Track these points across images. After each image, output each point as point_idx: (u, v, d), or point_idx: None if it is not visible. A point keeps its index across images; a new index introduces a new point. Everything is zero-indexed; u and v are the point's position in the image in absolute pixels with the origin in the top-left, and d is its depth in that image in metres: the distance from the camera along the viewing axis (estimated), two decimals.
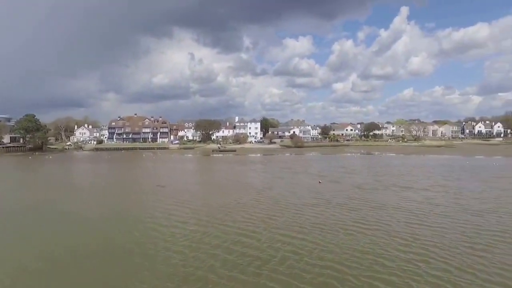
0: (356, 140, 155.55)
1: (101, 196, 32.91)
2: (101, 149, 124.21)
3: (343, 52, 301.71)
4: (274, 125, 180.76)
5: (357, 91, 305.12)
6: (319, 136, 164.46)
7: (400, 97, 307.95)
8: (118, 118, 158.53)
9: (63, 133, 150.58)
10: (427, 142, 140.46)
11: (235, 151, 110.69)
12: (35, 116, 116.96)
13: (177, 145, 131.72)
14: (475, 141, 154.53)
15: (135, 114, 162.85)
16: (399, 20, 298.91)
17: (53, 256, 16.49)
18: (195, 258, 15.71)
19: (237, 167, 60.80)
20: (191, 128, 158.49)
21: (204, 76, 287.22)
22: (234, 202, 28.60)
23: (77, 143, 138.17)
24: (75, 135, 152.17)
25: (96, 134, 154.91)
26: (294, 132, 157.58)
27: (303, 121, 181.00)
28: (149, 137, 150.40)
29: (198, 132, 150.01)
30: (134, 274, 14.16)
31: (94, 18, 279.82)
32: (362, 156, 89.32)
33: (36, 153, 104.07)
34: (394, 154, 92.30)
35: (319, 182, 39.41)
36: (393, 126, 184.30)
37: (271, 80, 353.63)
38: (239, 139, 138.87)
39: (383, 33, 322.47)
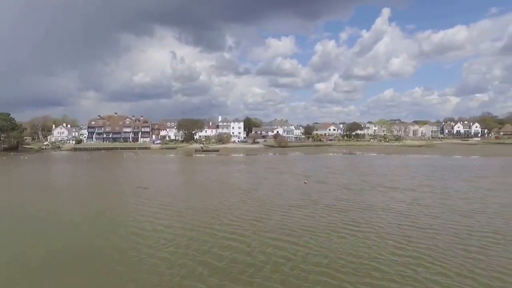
0: (339, 140, 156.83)
1: (79, 198, 31.19)
2: (80, 149, 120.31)
3: (325, 53, 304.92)
4: (257, 125, 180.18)
5: (339, 91, 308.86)
6: (303, 136, 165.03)
7: (381, 97, 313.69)
8: (98, 117, 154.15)
9: (40, 133, 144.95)
10: (408, 142, 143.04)
11: (218, 151, 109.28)
12: (10, 114, 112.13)
13: (159, 145, 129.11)
14: (454, 140, 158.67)
15: (116, 113, 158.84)
16: (381, 22, 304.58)
17: (25, 262, 15.21)
18: (182, 266, 14.72)
19: (221, 168, 59.72)
20: (173, 127, 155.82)
21: (186, 75, 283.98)
22: (220, 204, 27.65)
23: (54, 143, 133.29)
24: (52, 134, 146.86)
25: (75, 134, 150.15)
26: (277, 132, 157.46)
27: (286, 121, 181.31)
28: (130, 137, 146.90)
29: (181, 131, 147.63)
30: (115, 284, 13.07)
31: (72, 15, 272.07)
32: (344, 156, 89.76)
33: (11, 153, 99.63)
34: (375, 154, 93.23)
35: (305, 182, 38.91)
36: (375, 126, 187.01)
37: (254, 79, 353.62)
38: (222, 139, 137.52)
39: (365, 34, 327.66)
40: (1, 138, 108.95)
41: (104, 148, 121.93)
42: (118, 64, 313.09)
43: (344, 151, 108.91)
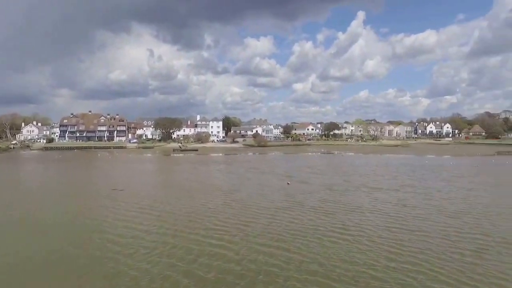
0: (317, 139, 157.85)
1: (50, 202, 28.91)
2: (51, 148, 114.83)
3: (303, 53, 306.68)
4: (236, 124, 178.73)
5: (316, 92, 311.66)
6: (282, 136, 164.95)
7: (356, 98, 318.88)
8: (71, 115, 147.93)
9: (8, 131, 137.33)
10: (385, 142, 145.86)
11: (197, 150, 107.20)
12: None
13: (135, 144, 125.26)
14: (428, 140, 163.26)
15: (90, 111, 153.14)
16: (356, 24, 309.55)
17: None
18: (165, 278, 13.46)
19: (201, 168, 58.18)
20: (150, 126, 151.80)
21: (163, 73, 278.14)
22: (202, 207, 26.40)
23: (23, 142, 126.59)
24: (21, 133, 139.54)
25: (46, 132, 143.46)
26: (256, 131, 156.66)
27: (266, 120, 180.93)
28: (105, 136, 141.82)
29: (158, 130, 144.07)
30: None
31: (44, 9, 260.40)
32: (324, 156, 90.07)
33: None
34: (353, 154, 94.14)
35: (288, 183, 38.13)
36: (352, 126, 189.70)
37: (232, 79, 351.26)
38: (201, 138, 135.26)
39: (341, 36, 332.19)
40: None
41: (77, 148, 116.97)
42: (93, 61, 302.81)
43: (322, 150, 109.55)
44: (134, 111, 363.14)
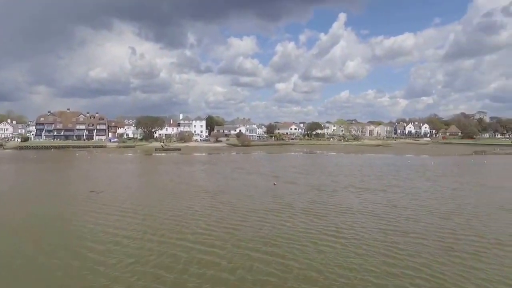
0: (300, 139, 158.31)
1: (22, 205, 26.77)
2: (27, 148, 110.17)
3: (285, 54, 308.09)
4: (219, 123, 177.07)
5: (298, 92, 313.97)
6: (265, 135, 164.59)
7: (337, 98, 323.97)
8: (48, 113, 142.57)
9: None
10: (366, 142, 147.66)
11: (180, 150, 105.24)
12: None
13: (116, 143, 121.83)
14: (407, 140, 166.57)
15: (68, 109, 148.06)
16: (338, 26, 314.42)
17: None
18: None
19: (185, 168, 56.70)
20: (131, 125, 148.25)
21: (146, 72, 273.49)
22: (188, 210, 25.24)
23: None
24: None
25: (22, 131, 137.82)
26: (240, 130, 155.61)
27: (249, 119, 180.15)
28: (84, 135, 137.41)
29: (140, 129, 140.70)
30: None
31: (20, 4, 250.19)
32: (308, 155, 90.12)
33: None
34: (335, 153, 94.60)
35: (274, 184, 37.33)
36: (334, 126, 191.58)
37: (215, 78, 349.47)
38: (184, 137, 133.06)
39: (323, 37, 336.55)
40: None
41: (54, 147, 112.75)
42: (73, 58, 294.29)
43: (305, 150, 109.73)
44: (115, 110, 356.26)
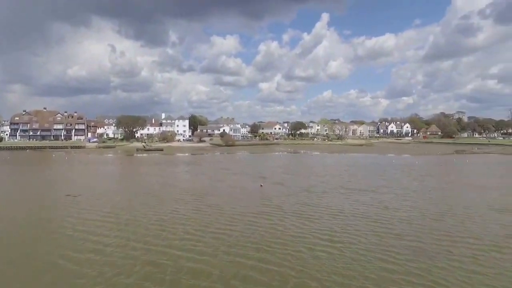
0: (285, 138, 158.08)
1: None
2: (0, 148, 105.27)
3: (268, 53, 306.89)
4: (203, 123, 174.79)
5: (282, 91, 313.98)
6: (249, 135, 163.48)
7: (320, 98, 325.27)
8: (24, 113, 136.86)
9: None
10: (350, 141, 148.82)
11: (162, 150, 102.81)
12: None
13: (96, 144, 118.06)
14: (389, 140, 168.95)
15: (45, 108, 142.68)
16: (320, 26, 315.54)
17: None
18: None
19: (168, 169, 55.03)
20: (112, 125, 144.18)
21: (126, 70, 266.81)
22: (174, 214, 23.99)
23: None
24: None
25: None
26: (224, 130, 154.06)
27: (233, 119, 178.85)
28: (62, 135, 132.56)
29: (120, 129, 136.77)
30: None
31: None
32: (292, 155, 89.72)
33: None
34: (319, 153, 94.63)
35: (261, 185, 36.31)
36: (317, 126, 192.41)
37: (198, 77, 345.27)
38: (167, 137, 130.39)
39: (306, 37, 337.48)
40: None
41: (29, 147, 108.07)
42: (50, 56, 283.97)
43: (289, 149, 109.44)
44: (94, 109, 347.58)
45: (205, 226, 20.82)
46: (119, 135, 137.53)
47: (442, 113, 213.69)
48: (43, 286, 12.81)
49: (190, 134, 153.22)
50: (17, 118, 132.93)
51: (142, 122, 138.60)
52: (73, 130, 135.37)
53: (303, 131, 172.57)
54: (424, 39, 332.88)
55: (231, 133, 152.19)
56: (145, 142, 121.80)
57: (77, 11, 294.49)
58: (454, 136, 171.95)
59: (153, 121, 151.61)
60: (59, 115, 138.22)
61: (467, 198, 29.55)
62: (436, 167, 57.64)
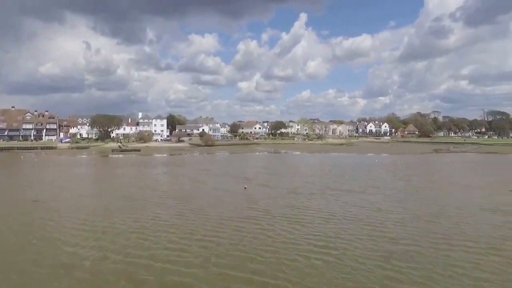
0: (265, 138, 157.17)
1: None
2: None
3: (248, 52, 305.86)
4: (181, 122, 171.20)
5: (261, 91, 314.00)
6: (229, 135, 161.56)
7: (299, 98, 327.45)
8: None
9: None
10: (330, 141, 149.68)
11: (139, 150, 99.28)
12: None
13: (68, 144, 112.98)
14: (369, 139, 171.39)
15: (13, 107, 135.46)
16: (299, 25, 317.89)
17: None
18: None
19: (146, 171, 52.57)
20: (86, 124, 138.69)
21: (102, 68, 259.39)
22: (155, 220, 22.22)
23: None
24: None
25: None
26: (203, 130, 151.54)
27: (212, 118, 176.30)
28: (32, 135, 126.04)
29: (95, 129, 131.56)
30: None
31: None
32: (274, 155, 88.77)
33: None
34: (299, 153, 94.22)
35: (245, 187, 34.82)
36: (297, 125, 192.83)
37: (176, 76, 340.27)
38: (144, 137, 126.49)
39: (285, 37, 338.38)
40: None
41: None
42: (21, 52, 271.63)
43: (270, 149, 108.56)
44: (67, 108, 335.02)
45: (190, 233, 19.22)
46: (94, 135, 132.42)
47: (419, 113, 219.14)
48: None
49: (168, 134, 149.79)
50: None
51: (118, 121, 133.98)
52: (44, 130, 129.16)
53: (283, 130, 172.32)
54: (399, 40, 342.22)
55: (211, 132, 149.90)
56: (121, 142, 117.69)
57: (50, 6, 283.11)
58: (431, 135, 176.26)
59: (130, 121, 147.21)
60: (28, 114, 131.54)
61: (456, 198, 29.26)
62: (419, 166, 58.04)
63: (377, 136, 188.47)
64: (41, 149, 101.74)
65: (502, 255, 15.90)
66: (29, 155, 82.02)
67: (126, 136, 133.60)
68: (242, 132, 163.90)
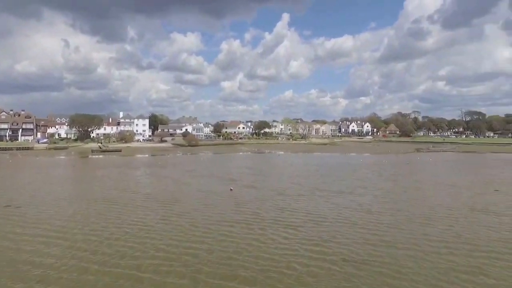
0: (249, 138, 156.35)
1: None
2: None
3: (231, 52, 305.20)
4: (164, 122, 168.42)
5: (244, 90, 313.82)
6: (213, 134, 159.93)
7: (281, 97, 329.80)
8: None
9: None
10: (314, 140, 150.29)
11: (120, 151, 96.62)
12: None
13: (46, 145, 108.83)
14: (351, 139, 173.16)
15: None
16: (281, 26, 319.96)
17: None
18: None
19: (128, 172, 50.71)
20: (64, 124, 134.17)
21: (81, 66, 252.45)
22: (138, 225, 20.88)
23: None
24: None
25: None
26: (186, 129, 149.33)
27: (195, 118, 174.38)
28: (7, 135, 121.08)
29: (74, 129, 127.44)
30: None
31: None
32: (257, 155, 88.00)
33: None
34: (283, 152, 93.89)
35: (231, 189, 33.76)
36: (281, 125, 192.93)
37: (158, 75, 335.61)
38: (125, 137, 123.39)
39: (268, 36, 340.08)
40: None
41: None
42: None
43: (254, 149, 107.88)
44: (45, 108, 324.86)
45: (178, 240, 18.07)
46: (73, 135, 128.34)
47: (399, 113, 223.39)
48: None
49: (150, 134, 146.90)
50: None
51: (98, 121, 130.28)
52: (20, 130, 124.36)
53: (267, 130, 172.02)
54: (379, 42, 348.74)
55: (194, 132, 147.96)
56: (101, 143, 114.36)
57: (26, 2, 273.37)
58: (411, 135, 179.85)
59: (110, 120, 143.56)
60: (3, 113, 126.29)
61: (444, 198, 29.10)
62: (403, 166, 58.44)
63: (359, 136, 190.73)
64: (17, 149, 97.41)
65: (505, 259, 15.45)
66: (3, 156, 78.20)
67: (106, 136, 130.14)
68: (226, 132, 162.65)
